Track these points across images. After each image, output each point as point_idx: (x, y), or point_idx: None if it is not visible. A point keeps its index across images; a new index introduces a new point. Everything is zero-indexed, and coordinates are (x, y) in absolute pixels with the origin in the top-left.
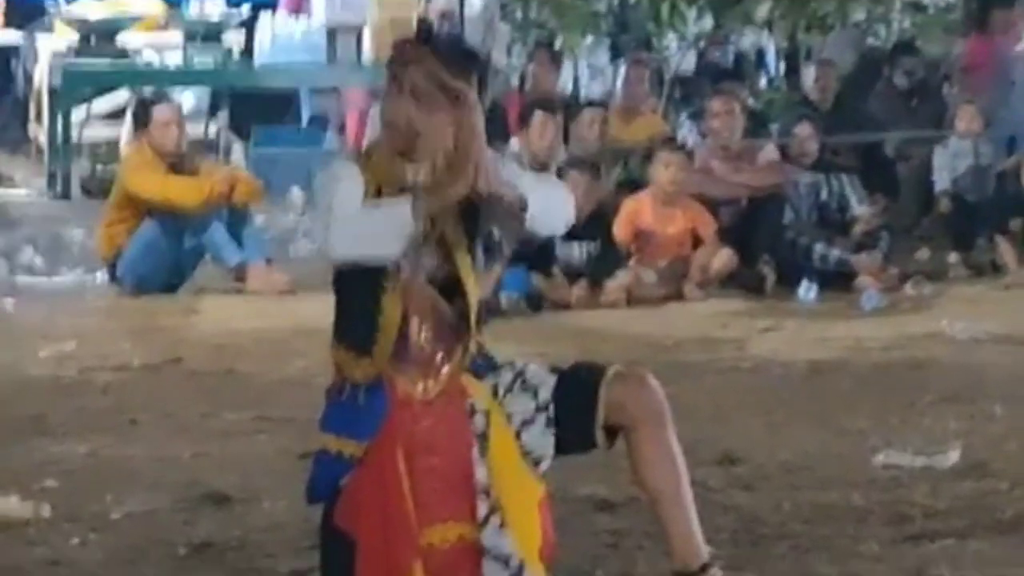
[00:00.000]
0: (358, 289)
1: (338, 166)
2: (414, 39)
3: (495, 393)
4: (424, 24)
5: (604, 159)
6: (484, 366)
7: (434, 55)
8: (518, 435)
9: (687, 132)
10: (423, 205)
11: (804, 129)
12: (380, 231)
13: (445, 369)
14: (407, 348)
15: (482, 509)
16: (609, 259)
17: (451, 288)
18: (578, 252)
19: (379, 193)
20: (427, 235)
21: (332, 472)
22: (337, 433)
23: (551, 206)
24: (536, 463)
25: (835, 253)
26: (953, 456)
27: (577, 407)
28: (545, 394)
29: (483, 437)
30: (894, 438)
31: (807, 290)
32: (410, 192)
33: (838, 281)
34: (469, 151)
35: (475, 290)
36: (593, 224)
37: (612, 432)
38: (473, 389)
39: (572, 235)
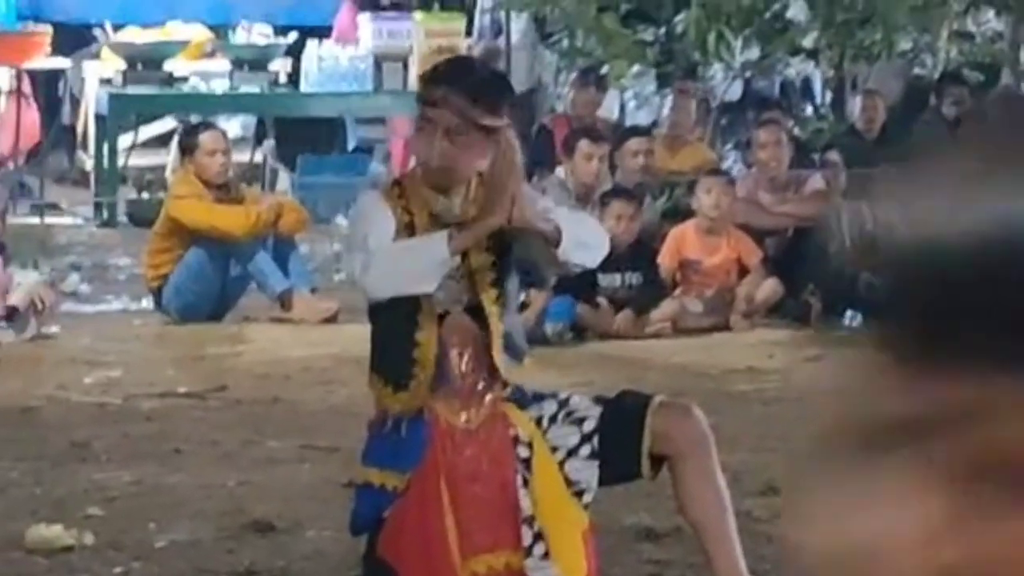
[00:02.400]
0: (394, 323)
1: (367, 200)
2: (440, 77)
3: (539, 423)
4: (449, 64)
5: (649, 188)
6: (528, 396)
7: (463, 93)
8: (562, 465)
9: (732, 162)
10: (459, 240)
11: (832, 156)
12: (416, 267)
13: (488, 398)
14: (448, 378)
15: (527, 538)
16: (654, 289)
17: (479, 319)
18: (623, 281)
19: (411, 224)
20: (458, 267)
21: (375, 505)
22: (380, 466)
23: (585, 240)
24: (580, 493)
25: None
26: None
27: (623, 437)
28: (590, 425)
29: (527, 466)
30: None
31: (853, 319)
32: (445, 226)
33: None
34: (505, 185)
35: (499, 323)
36: (638, 253)
37: (657, 462)
38: (516, 418)
39: (617, 265)
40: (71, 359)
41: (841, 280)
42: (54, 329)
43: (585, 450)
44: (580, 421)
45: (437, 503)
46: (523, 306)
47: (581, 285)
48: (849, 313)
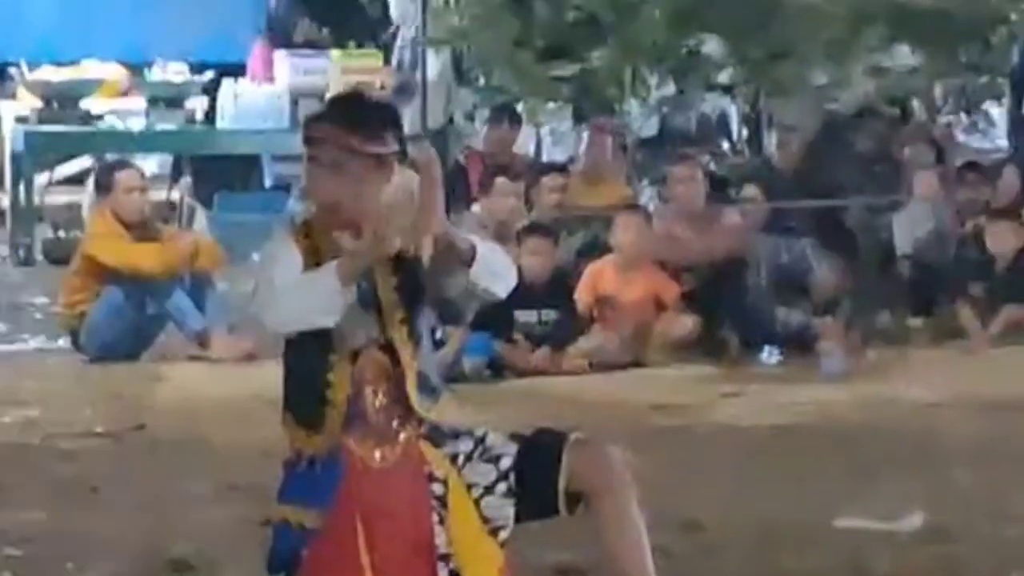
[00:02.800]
0: (305, 362)
1: (274, 241)
2: (321, 113)
3: (455, 460)
4: (330, 100)
5: (565, 225)
6: (444, 433)
7: (343, 125)
8: (477, 503)
9: (649, 198)
10: (345, 267)
11: (750, 191)
12: (312, 301)
13: (402, 436)
14: (363, 416)
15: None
16: (571, 325)
17: (392, 356)
18: (539, 318)
19: (319, 265)
20: (366, 303)
21: (292, 543)
22: (295, 504)
23: (495, 268)
24: (496, 531)
25: (797, 317)
26: (915, 520)
27: (539, 475)
28: (506, 462)
29: (442, 504)
30: (856, 502)
31: (769, 355)
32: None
33: (800, 346)
34: (397, 212)
35: (411, 360)
36: (554, 290)
37: (574, 498)
38: (431, 456)
39: (534, 301)
40: None
41: (758, 316)
42: None
43: (501, 487)
44: (497, 459)
45: (353, 541)
46: (439, 343)
47: (498, 322)
48: (766, 349)
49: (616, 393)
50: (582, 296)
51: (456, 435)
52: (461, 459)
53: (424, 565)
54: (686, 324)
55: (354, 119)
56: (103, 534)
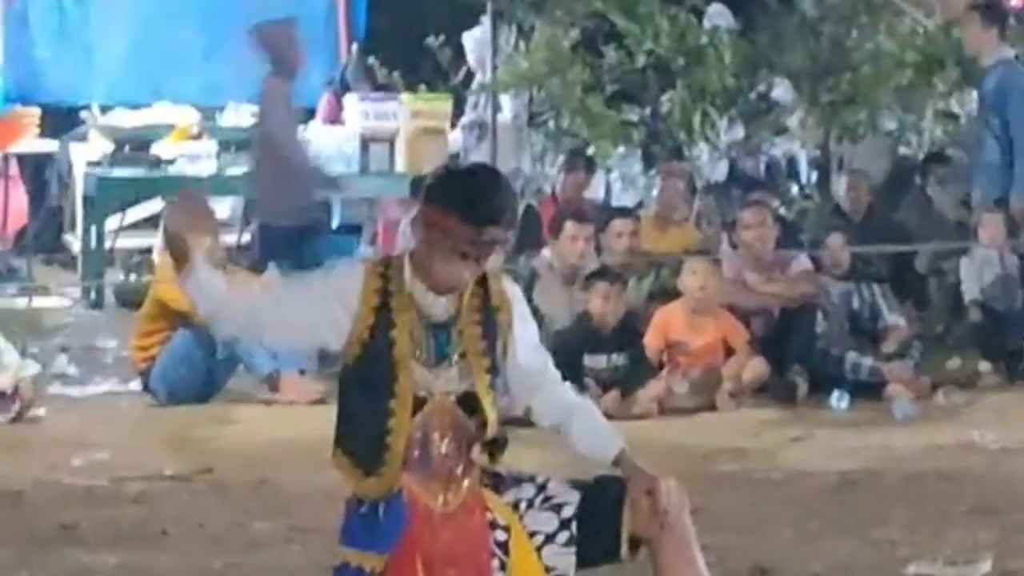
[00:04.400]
0: (366, 406)
1: (349, 266)
2: (491, 218)
3: (516, 507)
4: (505, 195)
5: (634, 269)
6: (506, 479)
7: (509, 228)
8: (539, 551)
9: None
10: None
11: (836, 240)
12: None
13: (466, 483)
14: (428, 461)
15: None
16: (640, 369)
17: (470, 402)
18: (609, 362)
19: (384, 307)
20: (449, 353)
21: None
22: (358, 547)
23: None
24: None
25: (867, 362)
26: (984, 567)
27: (602, 522)
28: (568, 511)
29: (504, 550)
30: (925, 548)
31: (839, 399)
32: (429, 323)
33: (870, 390)
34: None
35: (492, 407)
36: (623, 334)
37: (636, 543)
38: (493, 503)
39: (603, 345)
40: (58, 441)
41: (828, 360)
42: (41, 412)
43: (563, 537)
44: (559, 507)
45: None
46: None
47: (567, 366)
48: (836, 393)
49: (684, 438)
50: (651, 340)
51: (518, 481)
52: (523, 506)
53: None
54: (755, 368)
55: (512, 220)
56: None
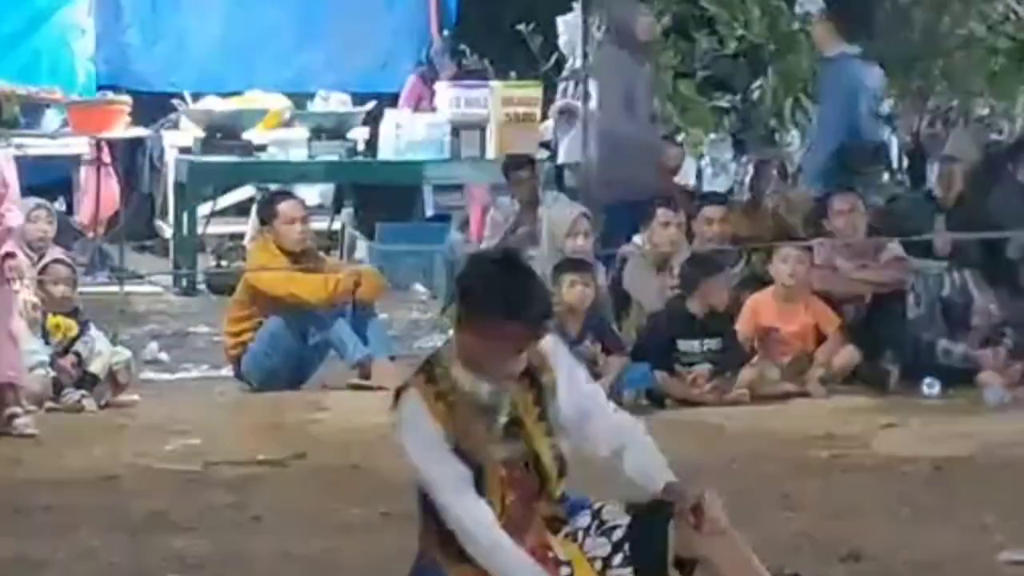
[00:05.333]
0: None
1: (407, 409)
2: (544, 314)
3: (575, 538)
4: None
5: (726, 256)
6: (562, 517)
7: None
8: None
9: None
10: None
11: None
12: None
13: (532, 533)
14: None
15: None
16: (733, 355)
17: (533, 464)
18: (701, 348)
19: (450, 410)
20: (505, 423)
21: None
22: None
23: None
24: None
25: (959, 349)
26: None
27: (652, 541)
28: (619, 534)
29: None
30: (1020, 535)
31: (930, 386)
32: (480, 407)
33: (962, 377)
34: None
35: (549, 454)
36: (716, 320)
37: (685, 565)
38: (555, 543)
39: (696, 332)
40: (151, 427)
41: (919, 347)
42: (134, 397)
43: (618, 558)
44: (611, 531)
45: None
46: (597, 374)
47: (659, 352)
48: (927, 380)
49: (776, 424)
50: (743, 327)
51: (575, 510)
52: (580, 535)
53: None
54: (847, 355)
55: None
56: (265, 562)
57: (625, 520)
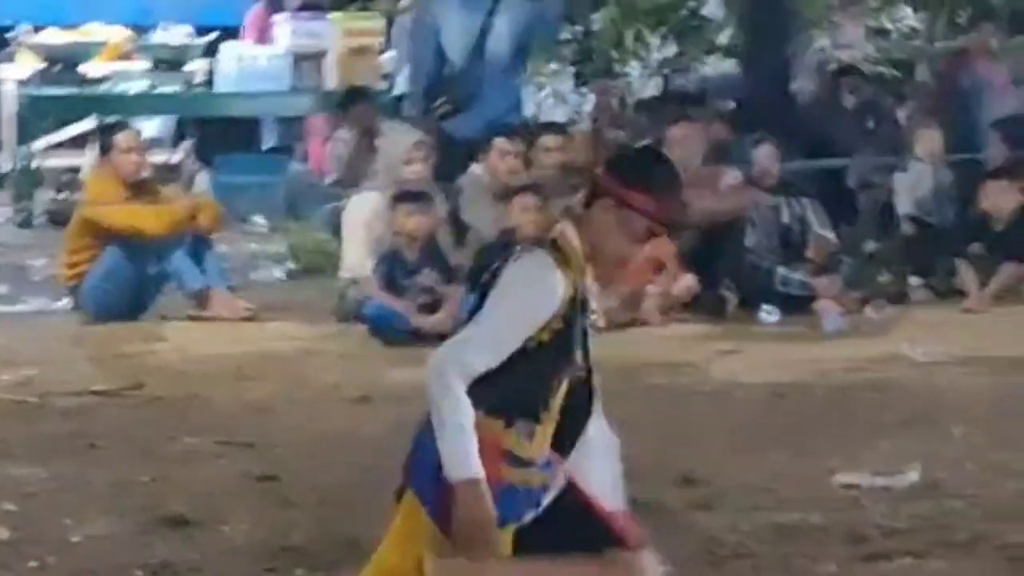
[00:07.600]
0: (534, 379)
1: (535, 263)
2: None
3: None
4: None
5: (561, 184)
6: None
7: None
8: None
9: None
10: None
11: (765, 152)
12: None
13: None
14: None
15: None
16: None
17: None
18: None
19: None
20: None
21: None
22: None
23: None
24: None
25: (796, 277)
26: (912, 476)
27: None
28: None
29: None
30: (853, 459)
31: (768, 313)
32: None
33: (799, 304)
34: None
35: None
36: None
37: None
38: None
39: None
40: None
41: (757, 274)
42: None
43: None
44: None
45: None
46: (436, 303)
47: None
48: (765, 307)
49: (615, 351)
50: None
51: None
52: None
53: None
54: (684, 283)
55: None
56: (101, 490)
57: None
